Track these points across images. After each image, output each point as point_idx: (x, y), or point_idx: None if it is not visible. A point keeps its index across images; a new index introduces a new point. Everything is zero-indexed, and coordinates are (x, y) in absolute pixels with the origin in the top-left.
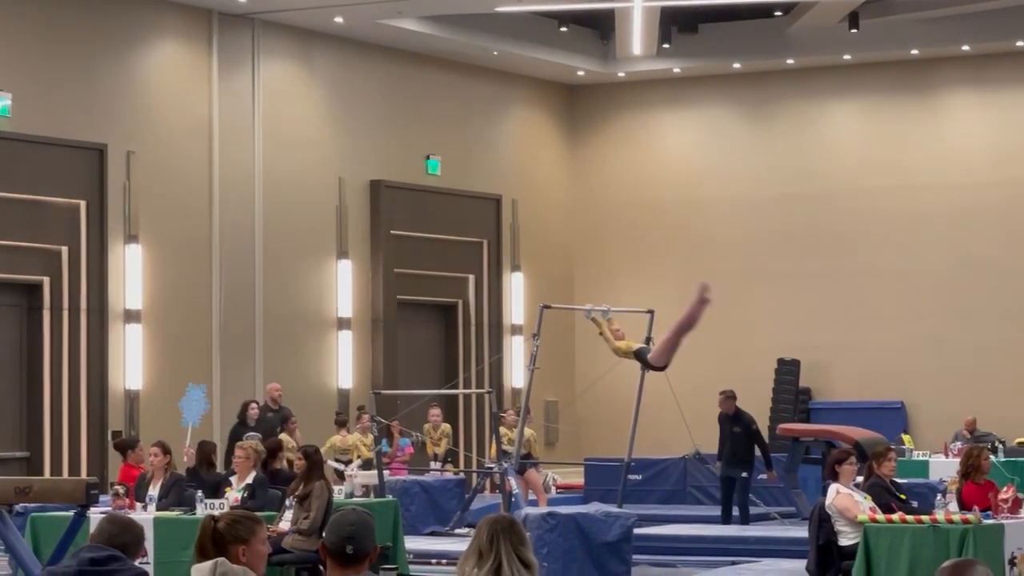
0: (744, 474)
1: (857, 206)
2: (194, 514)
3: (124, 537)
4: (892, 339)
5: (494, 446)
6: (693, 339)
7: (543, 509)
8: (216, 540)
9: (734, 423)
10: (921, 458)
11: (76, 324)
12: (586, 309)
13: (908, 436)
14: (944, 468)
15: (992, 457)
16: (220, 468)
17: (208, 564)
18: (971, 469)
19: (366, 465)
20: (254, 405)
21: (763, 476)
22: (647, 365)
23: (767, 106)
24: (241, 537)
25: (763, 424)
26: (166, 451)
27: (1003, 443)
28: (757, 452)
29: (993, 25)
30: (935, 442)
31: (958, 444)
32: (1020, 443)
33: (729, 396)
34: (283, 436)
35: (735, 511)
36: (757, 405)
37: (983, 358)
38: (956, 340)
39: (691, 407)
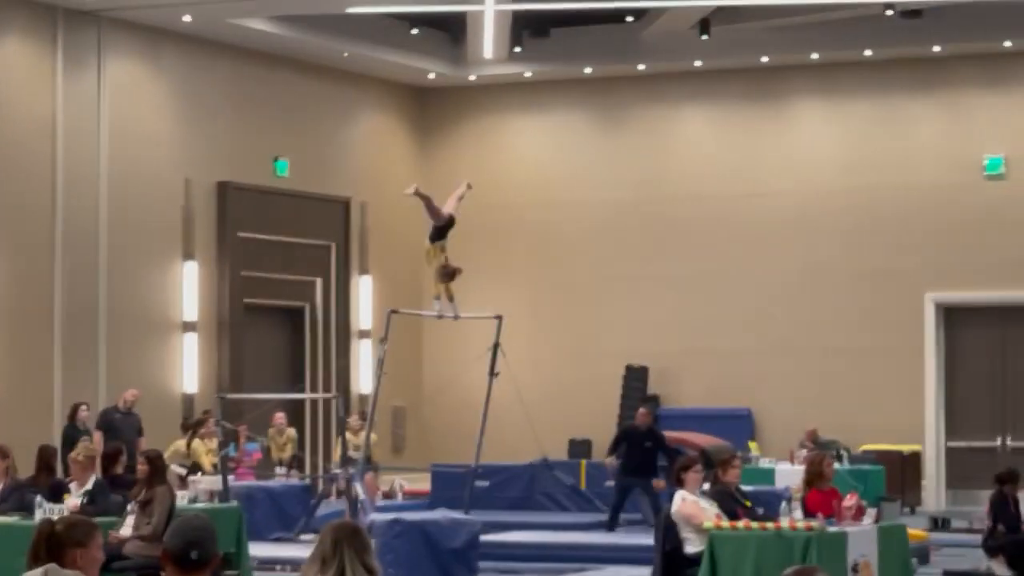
0: (655, 480)
1: (706, 212)
2: (32, 519)
3: None
4: (740, 346)
5: (337, 450)
6: (541, 344)
7: (389, 516)
8: (52, 544)
9: (647, 438)
10: (767, 465)
11: None
12: (434, 314)
13: (755, 443)
14: (790, 475)
15: (837, 464)
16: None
17: (38, 571)
18: (815, 476)
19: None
20: (84, 407)
21: (658, 482)
22: (440, 233)
23: (618, 111)
24: (79, 541)
25: (610, 431)
26: (4, 455)
27: (848, 451)
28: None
29: (842, 34)
30: (782, 449)
31: (803, 452)
32: (865, 451)
33: (649, 413)
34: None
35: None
36: (604, 412)
37: (829, 365)
38: (803, 347)
39: (539, 413)
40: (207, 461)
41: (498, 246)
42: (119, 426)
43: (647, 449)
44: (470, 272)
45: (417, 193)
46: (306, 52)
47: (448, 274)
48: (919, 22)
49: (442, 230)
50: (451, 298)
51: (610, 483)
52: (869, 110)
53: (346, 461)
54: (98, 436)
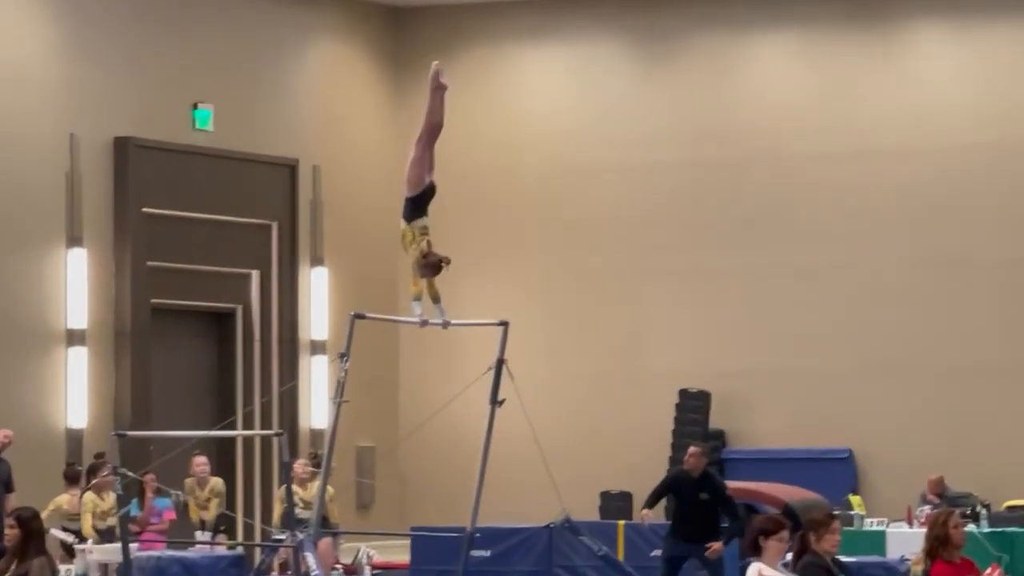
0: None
1: (789, 180)
2: None
3: None
4: (836, 365)
5: (279, 508)
6: (562, 362)
7: None
8: None
9: (702, 487)
10: (876, 528)
11: None
12: (416, 320)
13: (858, 497)
14: (907, 541)
15: (972, 527)
16: None
17: None
18: (940, 543)
19: (107, 535)
20: None
21: (714, 545)
22: (417, 205)
23: (667, 40)
24: None
25: (661, 478)
26: None
27: (987, 507)
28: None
29: None
30: (895, 506)
31: (926, 509)
32: (1011, 507)
33: (704, 453)
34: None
35: None
36: (650, 455)
37: (961, 391)
38: (923, 367)
39: (559, 456)
40: (88, 522)
41: (501, 226)
42: None
43: (703, 503)
44: (464, 263)
45: (440, 85)
46: None
47: (432, 265)
48: None
49: (420, 202)
50: (437, 299)
51: (657, 552)
52: (1016, 37)
53: (292, 522)
54: None
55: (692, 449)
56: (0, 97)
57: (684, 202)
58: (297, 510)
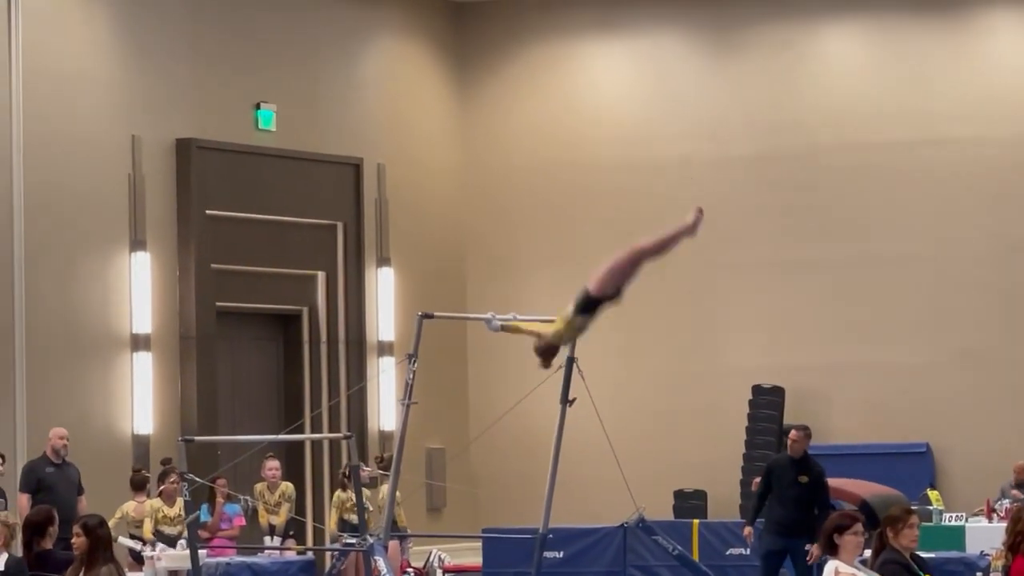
0: (808, 545)
1: (861, 170)
2: None
3: None
4: (913, 358)
5: (334, 515)
6: (632, 359)
7: None
8: None
9: (800, 470)
10: (955, 523)
11: None
12: (486, 318)
13: (936, 492)
14: (987, 536)
15: None
16: None
17: None
18: (1022, 537)
19: (173, 541)
20: None
21: (809, 548)
22: (594, 306)
23: (735, 30)
24: None
25: (735, 476)
26: None
27: None
28: None
29: None
30: (975, 499)
31: (1006, 503)
32: None
33: (807, 436)
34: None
35: None
36: (726, 449)
37: None
38: (1003, 357)
39: (631, 455)
40: (149, 527)
41: (568, 222)
42: (53, 484)
43: (802, 487)
44: (533, 259)
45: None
46: None
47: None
48: None
49: (595, 305)
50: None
51: (736, 551)
52: None
53: (362, 526)
54: (25, 500)
55: (794, 433)
56: (61, 100)
57: (755, 194)
58: (351, 516)
